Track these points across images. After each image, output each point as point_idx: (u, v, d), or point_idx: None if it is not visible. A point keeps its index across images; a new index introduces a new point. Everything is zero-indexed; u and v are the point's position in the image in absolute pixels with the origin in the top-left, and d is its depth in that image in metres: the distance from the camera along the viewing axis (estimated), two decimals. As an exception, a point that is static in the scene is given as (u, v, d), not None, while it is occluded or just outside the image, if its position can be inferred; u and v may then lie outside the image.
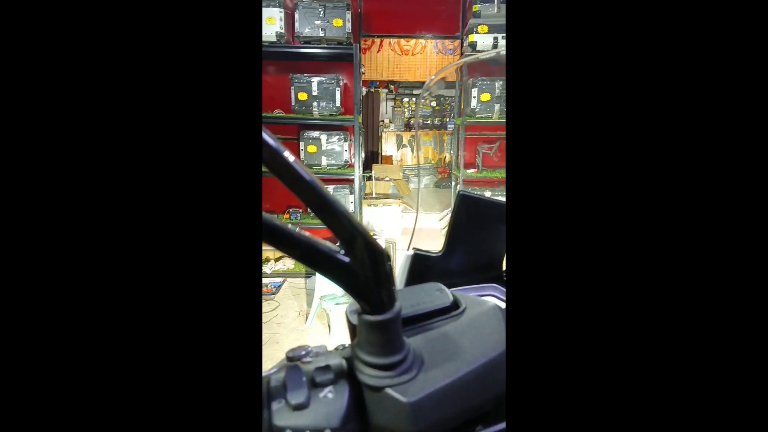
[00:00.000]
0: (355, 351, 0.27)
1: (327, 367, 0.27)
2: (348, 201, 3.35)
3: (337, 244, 0.25)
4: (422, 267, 0.52)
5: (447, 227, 0.51)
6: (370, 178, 5.07)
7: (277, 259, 3.52)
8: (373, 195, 4.85)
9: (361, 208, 3.45)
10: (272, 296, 3.14)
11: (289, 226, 0.24)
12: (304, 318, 2.79)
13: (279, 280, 3.38)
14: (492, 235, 0.52)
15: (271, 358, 2.31)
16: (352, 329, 0.30)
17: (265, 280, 3.29)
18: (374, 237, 0.25)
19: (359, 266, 0.24)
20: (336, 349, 0.34)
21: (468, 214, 0.50)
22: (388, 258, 0.26)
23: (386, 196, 4.93)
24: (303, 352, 0.34)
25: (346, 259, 0.24)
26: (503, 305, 0.54)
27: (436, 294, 0.33)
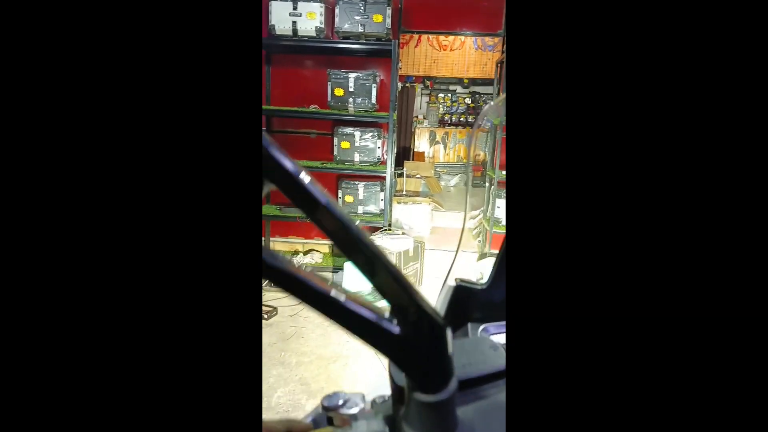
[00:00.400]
0: (401, 424, 0.24)
1: None
2: (378, 198, 3.34)
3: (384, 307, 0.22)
4: (464, 299, 0.49)
5: (495, 259, 0.48)
6: (401, 175, 5.03)
7: (305, 253, 3.56)
8: (404, 192, 4.82)
9: (391, 206, 3.43)
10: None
11: (326, 282, 0.21)
12: (330, 313, 2.80)
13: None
14: None
15: (297, 351, 2.34)
16: (396, 390, 0.28)
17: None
18: (430, 306, 0.22)
19: (412, 339, 0.22)
20: (375, 402, 0.31)
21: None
22: (448, 325, 0.23)
23: (416, 194, 4.89)
24: (339, 402, 0.32)
25: (396, 330, 0.22)
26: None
27: (489, 353, 0.30)
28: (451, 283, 0.49)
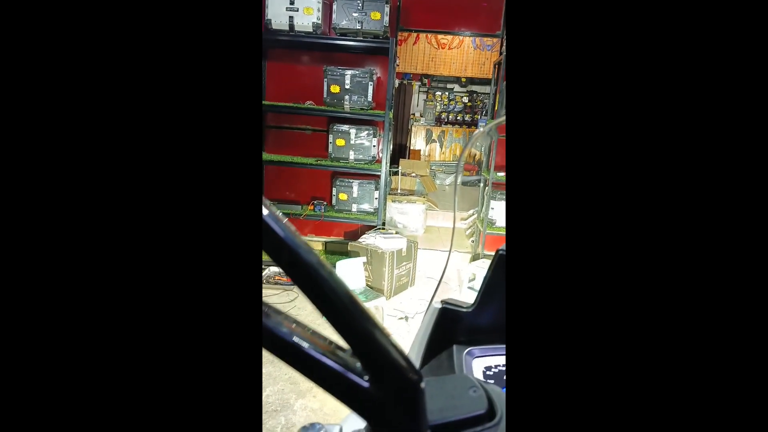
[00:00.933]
0: None
1: None
2: (373, 197, 3.32)
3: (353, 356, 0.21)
4: (449, 322, 0.48)
5: (482, 282, 0.47)
6: (396, 173, 5.02)
7: (298, 250, 3.54)
8: (398, 191, 4.81)
9: (385, 205, 3.42)
10: (291, 287, 3.17)
11: (294, 327, 0.20)
12: (321, 312, 2.80)
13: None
14: None
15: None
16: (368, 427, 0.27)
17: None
18: (405, 355, 0.21)
19: (382, 394, 0.21)
20: None
21: (504, 274, 0.46)
22: (421, 380, 0.22)
23: (411, 193, 4.88)
24: None
25: (365, 384, 0.20)
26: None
27: (468, 395, 0.29)
28: (437, 305, 0.48)
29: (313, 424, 0.32)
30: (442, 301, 0.48)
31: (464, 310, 0.48)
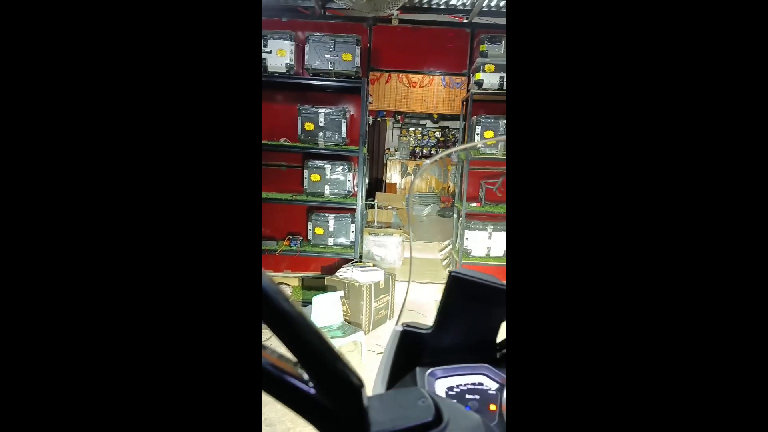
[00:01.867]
0: None
1: None
2: (349, 230, 3.34)
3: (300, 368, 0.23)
4: (411, 344, 0.50)
5: (438, 304, 0.50)
6: (373, 206, 5.07)
7: (274, 286, 3.48)
8: (375, 223, 4.84)
9: (362, 237, 3.44)
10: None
11: None
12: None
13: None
14: (484, 315, 0.50)
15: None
16: None
17: None
18: (348, 364, 0.23)
19: (327, 400, 0.22)
20: None
21: (461, 294, 0.49)
22: (362, 385, 0.24)
23: (388, 225, 4.92)
24: None
25: (311, 391, 0.22)
26: (494, 387, 0.52)
27: (417, 405, 0.31)
28: (398, 328, 0.50)
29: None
30: (403, 324, 0.50)
31: (424, 331, 0.50)
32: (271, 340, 0.23)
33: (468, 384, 0.51)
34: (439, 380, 0.51)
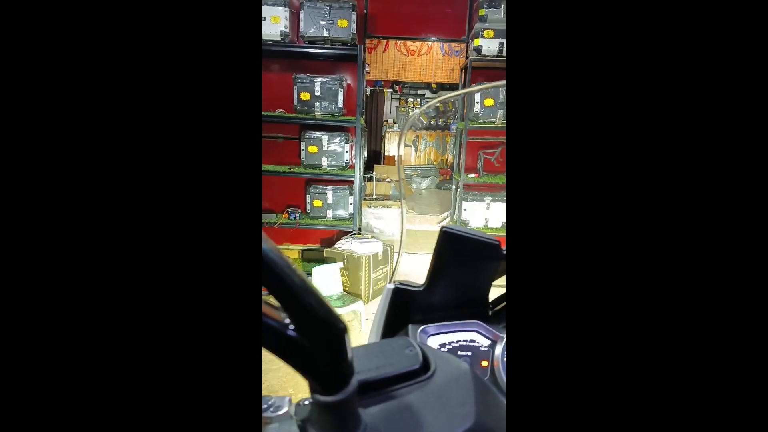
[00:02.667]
0: (307, 427, 0.25)
1: None
2: (348, 202, 3.34)
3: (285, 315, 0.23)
4: (403, 302, 0.50)
5: (430, 261, 0.50)
6: (371, 179, 5.05)
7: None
8: (374, 196, 4.83)
9: (360, 210, 3.44)
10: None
11: None
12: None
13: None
14: (476, 272, 0.50)
15: (264, 359, 2.30)
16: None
17: None
18: (332, 309, 0.23)
19: (309, 343, 0.22)
20: (298, 405, 0.32)
21: (452, 250, 0.49)
22: (346, 330, 0.24)
23: (386, 198, 4.91)
24: (265, 406, 0.33)
25: (294, 335, 0.22)
26: (486, 344, 0.53)
27: (404, 354, 0.31)
28: (390, 286, 0.50)
29: (264, 397, 0.34)
30: (394, 282, 0.50)
31: (416, 289, 0.50)
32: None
33: (460, 341, 0.52)
34: (431, 337, 0.51)
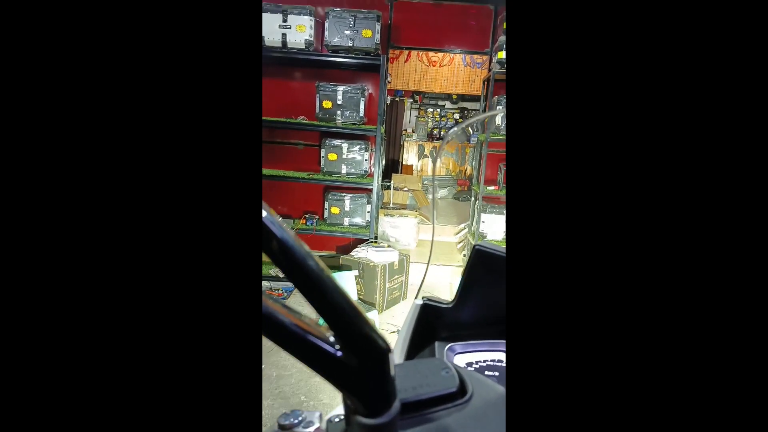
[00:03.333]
0: None
1: None
2: (365, 210, 3.34)
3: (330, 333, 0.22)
4: (431, 318, 0.49)
5: (461, 278, 0.49)
6: (389, 188, 5.05)
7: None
8: (391, 205, 4.83)
9: (377, 218, 3.44)
10: (283, 301, 3.15)
11: (273, 303, 0.21)
12: (312, 326, 2.77)
13: (291, 285, 3.39)
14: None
15: (277, 365, 2.31)
16: (347, 410, 0.28)
17: (276, 284, 3.30)
18: (374, 327, 0.22)
19: (353, 363, 0.22)
20: (330, 422, 0.31)
21: (483, 268, 0.48)
22: (390, 350, 0.23)
23: (403, 207, 4.90)
24: (295, 420, 0.32)
25: (338, 354, 0.22)
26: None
27: (441, 375, 0.30)
28: (418, 301, 0.49)
29: (293, 411, 0.33)
30: (423, 298, 0.50)
31: (444, 306, 0.49)
32: (291, 299, 0.23)
33: (487, 360, 0.51)
34: (458, 355, 0.50)
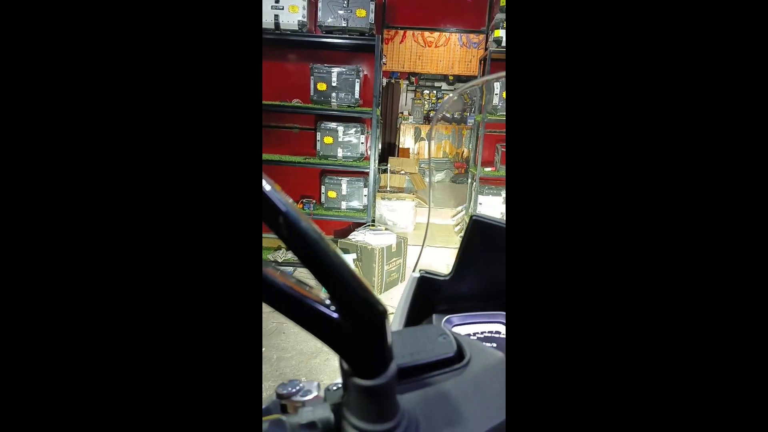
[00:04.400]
0: (343, 411, 0.24)
1: (313, 425, 0.25)
2: (362, 194, 3.33)
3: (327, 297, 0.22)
4: (428, 291, 0.49)
5: (458, 250, 0.49)
6: (385, 171, 5.03)
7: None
8: (388, 188, 4.82)
9: (374, 201, 3.43)
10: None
11: (270, 270, 0.21)
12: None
13: (290, 269, 3.41)
14: (504, 263, 0.49)
15: (277, 347, 2.33)
16: (345, 378, 0.28)
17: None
18: (372, 291, 0.22)
19: (351, 325, 0.22)
20: (328, 390, 0.32)
21: (481, 240, 0.47)
22: (386, 312, 0.23)
23: (401, 190, 4.89)
24: (293, 389, 0.32)
25: (335, 315, 0.21)
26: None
27: (439, 341, 0.30)
28: (415, 274, 0.49)
29: (291, 381, 0.33)
30: (420, 270, 0.50)
31: (442, 278, 0.49)
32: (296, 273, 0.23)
33: (485, 332, 0.51)
34: (455, 327, 0.50)
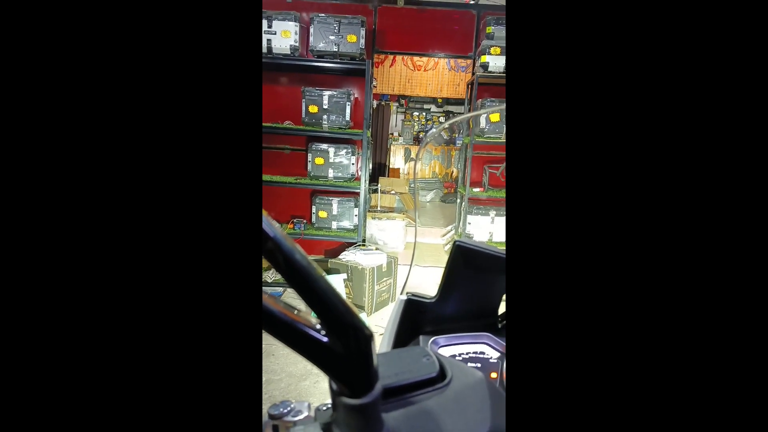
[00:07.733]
0: (333, 429, 0.26)
1: None
2: (353, 214, 3.35)
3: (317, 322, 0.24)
4: (415, 313, 0.51)
5: (442, 273, 0.51)
6: (376, 191, 5.07)
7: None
8: (378, 208, 4.85)
9: (365, 221, 3.45)
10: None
11: (265, 297, 0.23)
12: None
13: (280, 290, 3.38)
14: (487, 285, 0.51)
15: (267, 369, 2.30)
16: (333, 395, 0.30)
17: (266, 289, 3.27)
18: (357, 318, 0.24)
19: (340, 348, 0.24)
20: (318, 410, 0.33)
21: (464, 263, 0.50)
22: (372, 336, 0.25)
23: (391, 210, 4.92)
24: (285, 410, 0.34)
25: (325, 340, 0.24)
26: (495, 356, 0.54)
27: (422, 362, 0.32)
28: (403, 297, 0.51)
29: (283, 402, 0.35)
30: (407, 293, 0.52)
31: (428, 301, 0.51)
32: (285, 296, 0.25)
33: (470, 353, 0.53)
34: (441, 348, 0.52)
